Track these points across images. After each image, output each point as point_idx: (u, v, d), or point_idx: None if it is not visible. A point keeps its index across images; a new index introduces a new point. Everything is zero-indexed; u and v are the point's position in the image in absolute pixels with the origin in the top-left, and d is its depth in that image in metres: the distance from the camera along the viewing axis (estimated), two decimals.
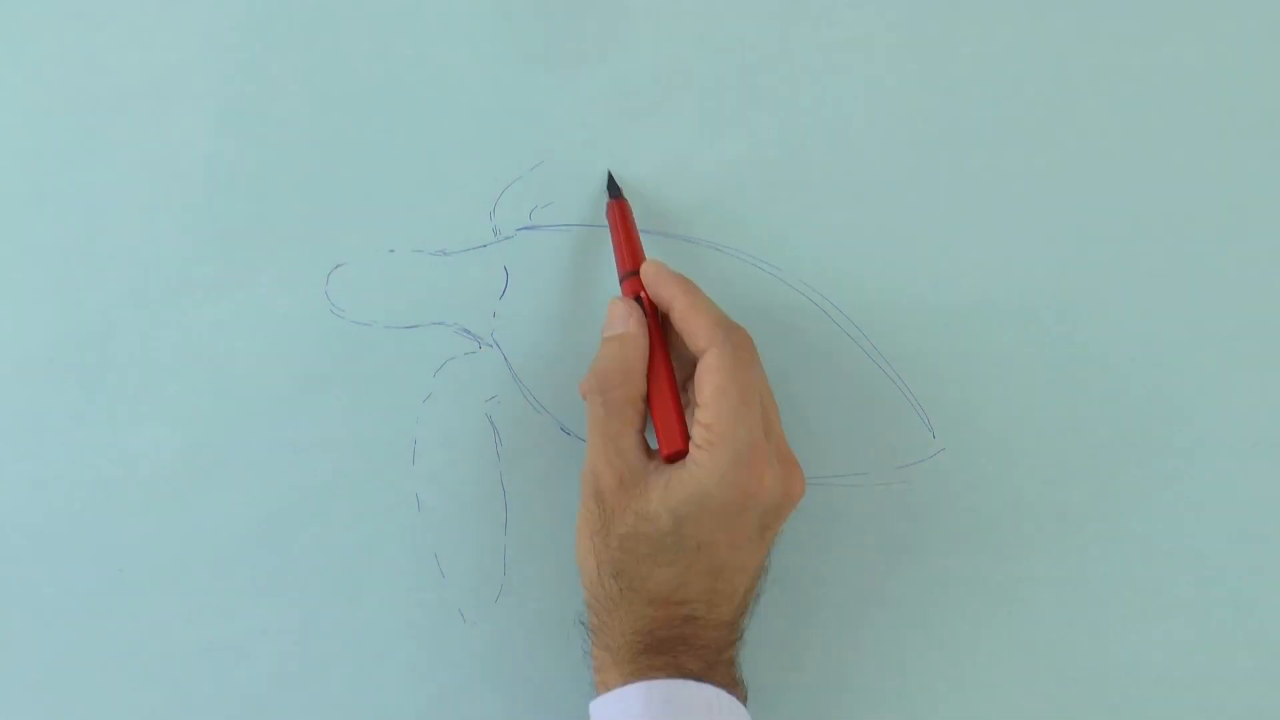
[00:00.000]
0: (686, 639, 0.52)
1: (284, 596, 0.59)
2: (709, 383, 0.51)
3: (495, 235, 0.58)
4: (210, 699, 0.59)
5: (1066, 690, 0.60)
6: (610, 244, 0.57)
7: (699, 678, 0.52)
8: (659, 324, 0.54)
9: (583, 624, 0.54)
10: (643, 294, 0.55)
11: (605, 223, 0.58)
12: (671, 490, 0.50)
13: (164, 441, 0.58)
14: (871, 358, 0.59)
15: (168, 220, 0.58)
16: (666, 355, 0.54)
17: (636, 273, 0.55)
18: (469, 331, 0.59)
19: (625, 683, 0.51)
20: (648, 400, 0.53)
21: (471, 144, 0.58)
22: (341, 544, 0.58)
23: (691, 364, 0.53)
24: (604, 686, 0.52)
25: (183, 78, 0.57)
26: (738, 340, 0.52)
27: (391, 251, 0.58)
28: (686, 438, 0.52)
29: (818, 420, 0.59)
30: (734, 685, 0.53)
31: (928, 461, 0.59)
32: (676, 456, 0.52)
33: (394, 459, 0.58)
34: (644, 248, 0.57)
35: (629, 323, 0.53)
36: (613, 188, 0.57)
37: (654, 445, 0.53)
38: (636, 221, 0.57)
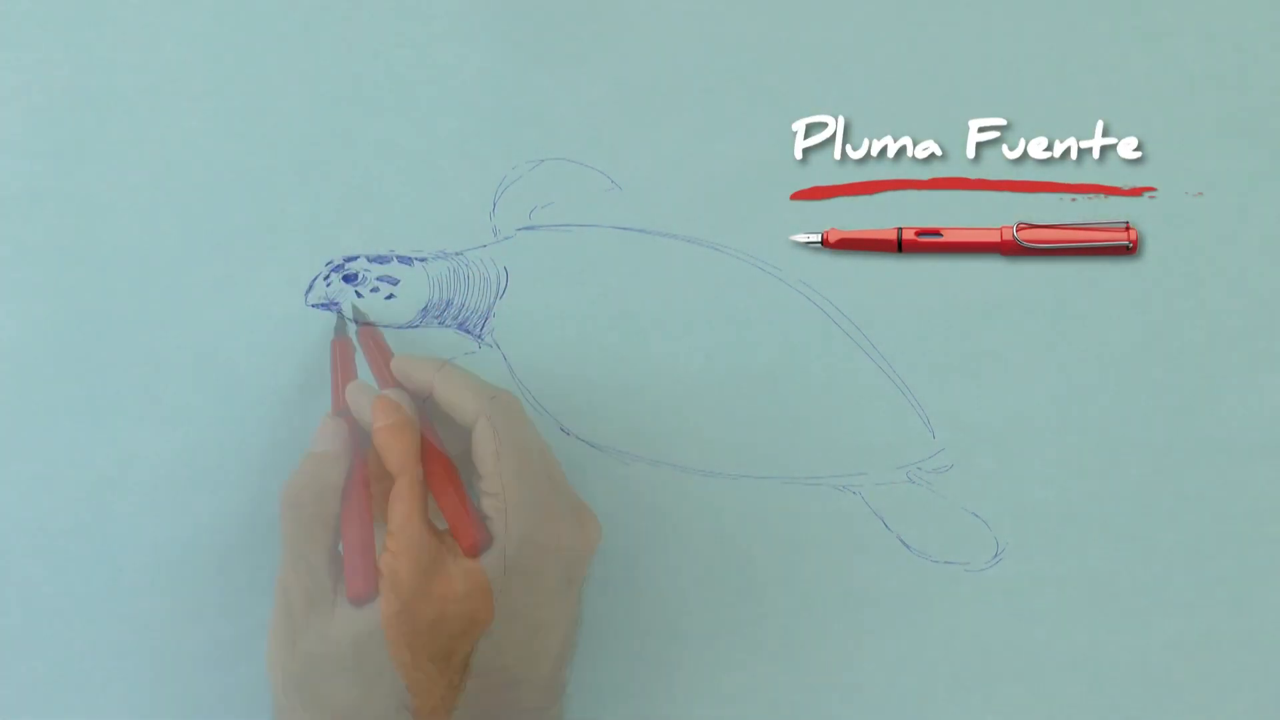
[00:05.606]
0: (509, 704, 0.52)
1: None
2: (486, 452, 0.51)
3: (495, 235, 0.58)
4: (210, 699, 0.59)
5: (1066, 690, 0.60)
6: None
7: None
8: (425, 415, 0.53)
9: (407, 709, 0.52)
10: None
11: (605, 223, 0.58)
12: (474, 569, 0.50)
13: (164, 441, 0.58)
14: (871, 358, 0.59)
15: (168, 220, 0.58)
16: (443, 457, 0.53)
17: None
18: (469, 331, 0.59)
19: None
20: (432, 491, 0.52)
21: (471, 144, 0.58)
22: None
23: (467, 439, 0.52)
24: None
25: (183, 78, 0.57)
26: (503, 404, 0.52)
27: (391, 251, 0.58)
28: (480, 528, 0.51)
29: (818, 420, 0.59)
30: None
31: (928, 461, 0.59)
32: (476, 548, 0.51)
33: None
34: (638, 249, 0.56)
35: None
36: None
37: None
38: (635, 222, 0.57)
